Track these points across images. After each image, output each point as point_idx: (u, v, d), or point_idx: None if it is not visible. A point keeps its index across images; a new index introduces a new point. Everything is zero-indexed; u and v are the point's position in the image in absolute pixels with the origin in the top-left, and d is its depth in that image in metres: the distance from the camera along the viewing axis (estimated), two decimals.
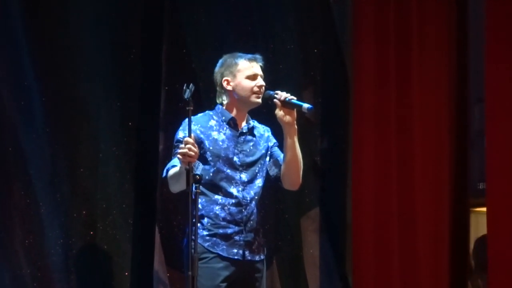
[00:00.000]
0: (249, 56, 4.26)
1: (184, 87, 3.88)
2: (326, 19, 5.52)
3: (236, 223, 4.18)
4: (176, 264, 4.93)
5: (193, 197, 3.87)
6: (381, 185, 5.51)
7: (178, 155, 3.90)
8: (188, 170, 3.83)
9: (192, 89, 3.90)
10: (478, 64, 5.65)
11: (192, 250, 3.84)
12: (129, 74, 5.08)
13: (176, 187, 4.05)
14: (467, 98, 5.75)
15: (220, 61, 4.30)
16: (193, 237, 3.86)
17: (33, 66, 4.86)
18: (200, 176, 3.91)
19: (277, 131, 4.28)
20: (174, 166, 4.06)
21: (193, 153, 3.89)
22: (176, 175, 4.00)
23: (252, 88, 4.21)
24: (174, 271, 4.99)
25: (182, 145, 3.90)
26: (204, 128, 4.21)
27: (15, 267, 4.78)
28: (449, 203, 5.64)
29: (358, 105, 5.53)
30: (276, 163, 4.28)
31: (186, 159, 3.86)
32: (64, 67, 4.94)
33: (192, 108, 3.89)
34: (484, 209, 5.50)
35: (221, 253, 4.16)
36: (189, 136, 3.91)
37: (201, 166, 4.12)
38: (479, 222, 5.86)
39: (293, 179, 4.25)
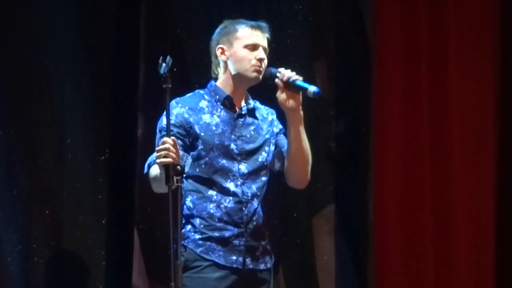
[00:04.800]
0: (253, 23, 4.06)
1: (160, 60, 3.73)
2: None
3: (235, 224, 3.97)
4: (159, 275, 4.77)
5: (182, 193, 3.82)
6: (410, 179, 5.28)
7: (156, 159, 3.83)
8: (168, 166, 3.71)
9: (170, 63, 3.73)
10: None
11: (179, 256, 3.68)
12: (100, 43, 4.90)
13: (160, 189, 3.90)
14: None
15: (220, 26, 4.13)
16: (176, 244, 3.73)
17: None
18: (182, 167, 3.72)
19: (283, 117, 4.11)
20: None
21: (170, 158, 3.74)
22: (158, 178, 3.86)
23: (250, 60, 4.00)
24: (158, 284, 4.82)
25: (160, 145, 3.79)
26: (193, 111, 4.00)
27: None
28: (494, 204, 5.43)
29: (381, 80, 5.24)
30: (280, 155, 4.10)
31: (163, 163, 3.75)
32: (22, 34, 4.78)
33: (170, 86, 3.71)
34: None
35: (217, 260, 3.94)
36: (167, 120, 3.76)
37: (189, 159, 3.96)
38: None
39: (299, 176, 4.08)
